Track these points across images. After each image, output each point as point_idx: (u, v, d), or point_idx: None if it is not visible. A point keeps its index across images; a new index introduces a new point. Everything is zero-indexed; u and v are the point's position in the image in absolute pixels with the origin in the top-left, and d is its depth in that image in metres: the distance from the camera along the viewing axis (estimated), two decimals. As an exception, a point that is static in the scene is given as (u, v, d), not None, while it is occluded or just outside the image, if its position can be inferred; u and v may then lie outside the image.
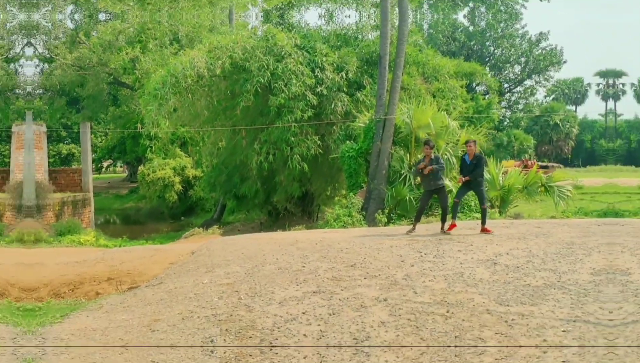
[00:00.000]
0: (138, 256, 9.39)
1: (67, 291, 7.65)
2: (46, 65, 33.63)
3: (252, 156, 17.01)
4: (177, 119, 18.84)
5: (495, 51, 55.47)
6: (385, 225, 12.95)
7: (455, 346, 4.20)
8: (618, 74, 32.43)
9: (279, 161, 17.35)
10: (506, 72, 56.55)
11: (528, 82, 57.52)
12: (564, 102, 61.94)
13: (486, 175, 12.81)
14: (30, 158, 18.25)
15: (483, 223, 9.15)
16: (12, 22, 25.56)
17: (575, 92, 64.86)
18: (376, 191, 14.36)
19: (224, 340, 4.58)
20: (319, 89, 16.98)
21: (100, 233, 19.24)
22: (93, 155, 37.59)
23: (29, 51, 25.76)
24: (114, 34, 30.17)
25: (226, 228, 20.33)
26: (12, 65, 30.13)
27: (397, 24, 17.05)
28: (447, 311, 4.81)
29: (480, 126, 18.19)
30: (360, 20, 21.68)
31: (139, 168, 39.66)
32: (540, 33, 54.50)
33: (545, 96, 63.67)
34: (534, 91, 58.13)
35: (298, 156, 16.65)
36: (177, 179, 27.23)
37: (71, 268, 8.64)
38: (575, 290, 5.30)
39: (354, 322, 4.70)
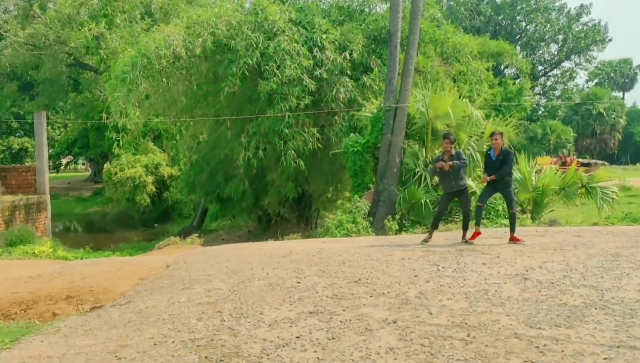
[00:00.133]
0: (103, 271, 9.41)
1: (18, 312, 7.67)
2: (-6, 43, 33.72)
3: (238, 151, 17.06)
4: (150, 107, 18.89)
5: (528, 27, 55.59)
6: (396, 233, 12.98)
7: (477, 376, 4.20)
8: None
9: (270, 157, 17.40)
10: (540, 52, 56.69)
11: (566, 64, 57.64)
12: (609, 87, 62.13)
13: (515, 174, 12.87)
14: (-27, 153, 18.26)
15: (512, 230, 9.18)
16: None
17: (622, 76, 65.07)
18: (386, 193, 14.40)
19: (204, 369, 4.59)
20: (317, 72, 17.03)
21: (59, 242, 19.30)
22: (50, 150, 37.76)
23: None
24: (74, 7, 30.21)
25: (208, 237, 20.39)
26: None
27: (410, -6, 17.12)
28: (468, 336, 4.83)
29: (510, 116, 18.27)
30: (367, -9, 21.70)
31: (105, 165, 39.81)
32: (581, 6, 55.01)
33: (587, 81, 63.93)
34: (574, 74, 58.25)
35: (293, 152, 16.70)
36: (150, 179, 27.30)
37: (23, 285, 8.67)
38: (620, 311, 5.32)
39: (358, 347, 4.71)
